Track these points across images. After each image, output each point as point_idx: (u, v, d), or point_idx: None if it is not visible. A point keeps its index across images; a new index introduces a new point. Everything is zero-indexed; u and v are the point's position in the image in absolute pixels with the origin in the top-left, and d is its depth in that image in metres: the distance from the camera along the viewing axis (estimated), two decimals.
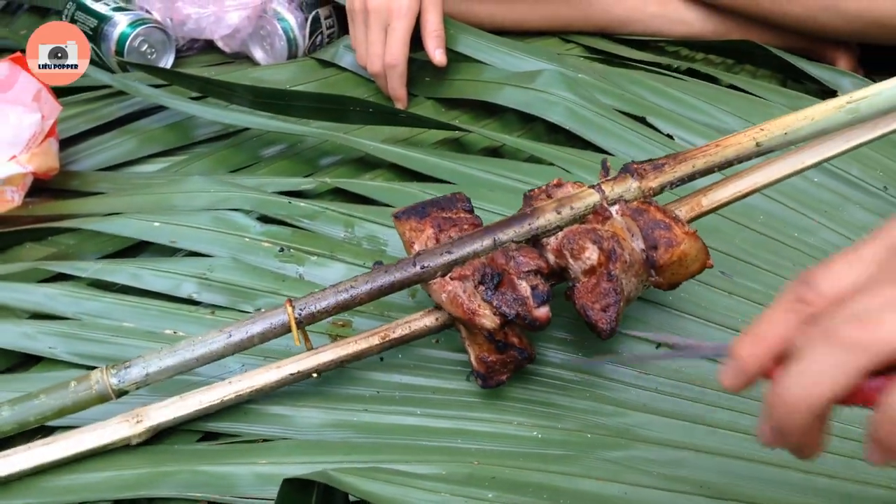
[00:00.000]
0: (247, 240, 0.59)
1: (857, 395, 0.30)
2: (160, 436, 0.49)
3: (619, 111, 0.72)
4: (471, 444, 0.49)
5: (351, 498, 0.45)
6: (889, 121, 0.53)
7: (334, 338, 0.54)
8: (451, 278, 0.48)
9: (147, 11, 0.82)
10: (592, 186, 0.51)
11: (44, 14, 0.92)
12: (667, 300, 0.58)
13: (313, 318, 0.48)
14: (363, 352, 0.50)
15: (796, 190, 0.67)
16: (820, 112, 0.52)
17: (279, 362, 0.49)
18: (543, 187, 0.52)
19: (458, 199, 0.52)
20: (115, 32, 0.79)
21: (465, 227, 0.50)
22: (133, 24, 0.79)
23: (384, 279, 0.48)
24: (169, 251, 0.61)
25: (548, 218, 0.49)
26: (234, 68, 0.83)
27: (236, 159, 0.72)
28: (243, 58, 0.86)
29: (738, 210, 0.65)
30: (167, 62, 0.82)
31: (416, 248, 0.50)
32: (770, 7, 0.81)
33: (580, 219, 0.50)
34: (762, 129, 0.52)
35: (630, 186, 0.51)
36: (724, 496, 0.47)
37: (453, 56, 0.77)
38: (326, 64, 0.82)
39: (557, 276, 0.51)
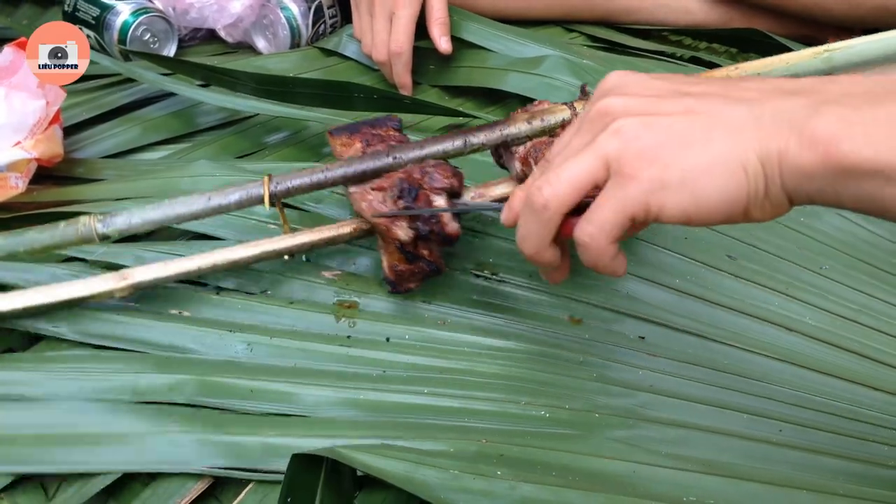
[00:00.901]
0: (253, 222, 0.59)
1: (565, 232, 0.40)
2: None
3: None
4: (478, 422, 0.49)
5: (359, 474, 0.45)
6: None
7: (339, 318, 0.54)
8: (372, 189, 0.51)
9: (150, 0, 0.82)
10: (566, 104, 0.54)
11: (46, 4, 0.92)
12: (673, 283, 0.58)
13: (288, 192, 0.52)
14: (334, 238, 0.54)
15: None
16: (796, 57, 0.54)
17: (256, 241, 0.53)
18: (527, 106, 0.55)
19: (389, 119, 0.55)
20: (118, 21, 0.79)
21: (392, 143, 0.53)
22: (136, 13, 0.79)
23: (358, 166, 0.52)
24: (175, 235, 0.61)
25: (519, 127, 0.53)
26: (236, 57, 0.83)
27: (241, 146, 0.72)
28: (246, 47, 0.86)
29: None
30: (170, 51, 0.82)
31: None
32: None
33: (549, 132, 0.53)
34: (737, 68, 0.54)
35: None
36: (730, 475, 0.47)
37: (458, 43, 0.77)
38: (330, 53, 0.82)
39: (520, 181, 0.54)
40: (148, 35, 0.80)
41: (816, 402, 0.52)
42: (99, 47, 0.81)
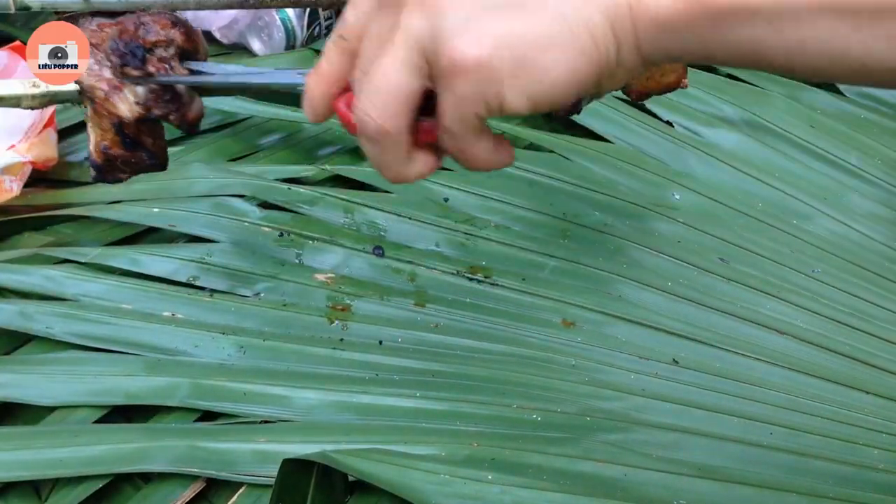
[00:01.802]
0: (246, 225, 0.59)
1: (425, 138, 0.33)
2: (155, 413, 0.49)
3: (619, 98, 0.72)
4: (470, 426, 0.49)
5: (350, 478, 0.45)
6: None
7: (332, 321, 0.54)
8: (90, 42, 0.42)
9: None
10: None
11: None
12: (665, 286, 0.58)
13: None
14: None
15: (795, 177, 0.68)
16: None
17: None
18: None
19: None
20: None
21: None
22: None
23: None
24: (169, 238, 0.61)
25: None
26: (231, 59, 0.83)
27: (235, 148, 0.72)
28: (241, 49, 0.86)
29: (736, 197, 0.65)
30: None
31: None
32: None
33: None
34: None
35: None
36: (721, 478, 0.47)
37: None
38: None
39: None
40: None
41: (807, 405, 0.52)
42: None
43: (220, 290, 0.56)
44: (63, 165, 0.67)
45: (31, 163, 0.64)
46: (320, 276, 0.57)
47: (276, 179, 0.63)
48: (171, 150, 0.70)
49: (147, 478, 0.47)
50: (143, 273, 0.56)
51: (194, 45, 0.43)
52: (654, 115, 0.71)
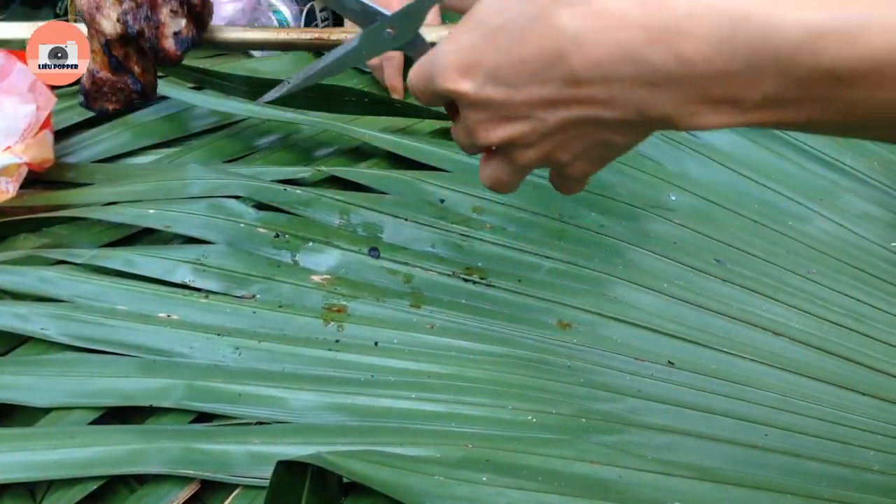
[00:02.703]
0: (242, 226, 0.59)
1: None
2: (150, 415, 0.49)
3: None
4: (465, 427, 0.49)
5: (345, 480, 0.45)
6: None
7: (327, 322, 0.54)
8: None
9: None
10: None
11: (37, 6, 0.92)
12: (661, 287, 0.58)
13: None
14: None
15: (790, 178, 0.68)
16: None
17: None
18: None
19: None
20: None
21: None
22: None
23: None
24: (164, 240, 0.61)
25: None
26: (228, 60, 0.83)
27: (231, 150, 0.72)
28: (238, 50, 0.86)
29: (732, 198, 0.65)
30: None
31: None
32: None
33: None
34: None
35: None
36: (716, 479, 0.47)
37: None
38: (321, 56, 0.82)
39: None
40: None
41: (801, 406, 0.52)
42: None
43: (216, 292, 0.56)
44: (59, 167, 0.67)
45: (28, 164, 0.64)
46: (316, 278, 0.57)
47: (273, 181, 0.63)
48: (167, 150, 0.71)
49: (142, 479, 0.46)
50: (139, 274, 0.56)
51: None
52: None
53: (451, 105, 0.41)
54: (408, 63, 0.76)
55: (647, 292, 0.58)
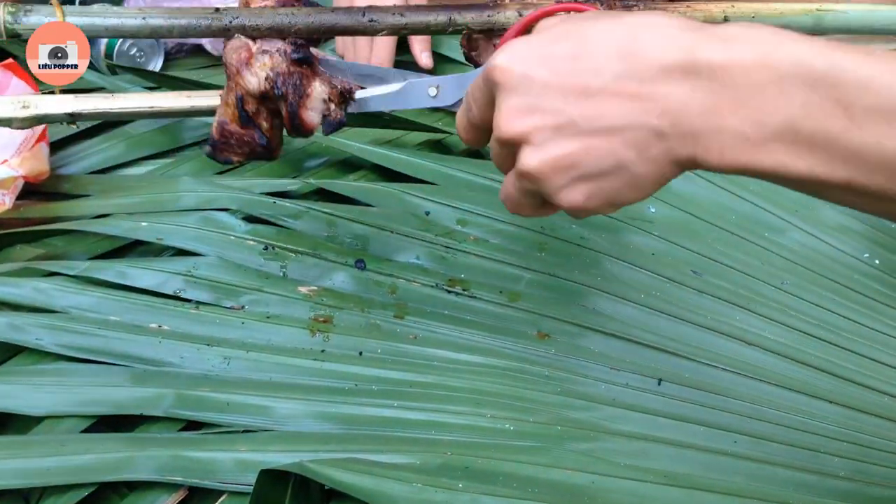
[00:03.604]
0: (232, 238, 0.61)
1: None
2: (141, 423, 0.51)
3: None
4: (444, 435, 0.51)
5: (326, 487, 0.46)
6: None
7: (314, 333, 0.56)
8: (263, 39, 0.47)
9: None
10: (559, 2, 0.50)
11: None
12: (638, 298, 0.60)
13: (244, 30, 0.47)
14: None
15: (768, 190, 0.69)
16: (788, 8, 0.52)
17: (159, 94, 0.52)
18: None
19: None
20: None
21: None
22: None
23: (328, 18, 0.48)
24: (156, 251, 0.63)
25: (507, 15, 0.49)
26: (222, 71, 0.84)
27: None
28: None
29: (710, 210, 0.67)
30: (156, 66, 0.84)
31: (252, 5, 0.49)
32: None
33: None
34: (733, 6, 0.52)
35: None
36: (687, 485, 0.48)
37: (439, 58, 0.79)
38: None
39: None
40: (134, 49, 0.82)
41: (771, 414, 0.54)
42: None
43: (206, 303, 0.57)
44: (55, 179, 0.69)
45: (24, 177, 0.65)
46: (303, 289, 0.59)
47: (262, 193, 0.65)
48: (161, 162, 0.73)
49: (132, 486, 0.48)
50: (131, 286, 0.58)
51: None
52: None
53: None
54: None
55: (625, 303, 0.59)
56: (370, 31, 0.49)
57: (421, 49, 0.77)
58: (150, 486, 0.48)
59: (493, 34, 0.50)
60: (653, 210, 0.67)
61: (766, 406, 0.54)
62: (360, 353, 0.55)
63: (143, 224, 0.62)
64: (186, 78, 0.76)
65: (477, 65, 0.53)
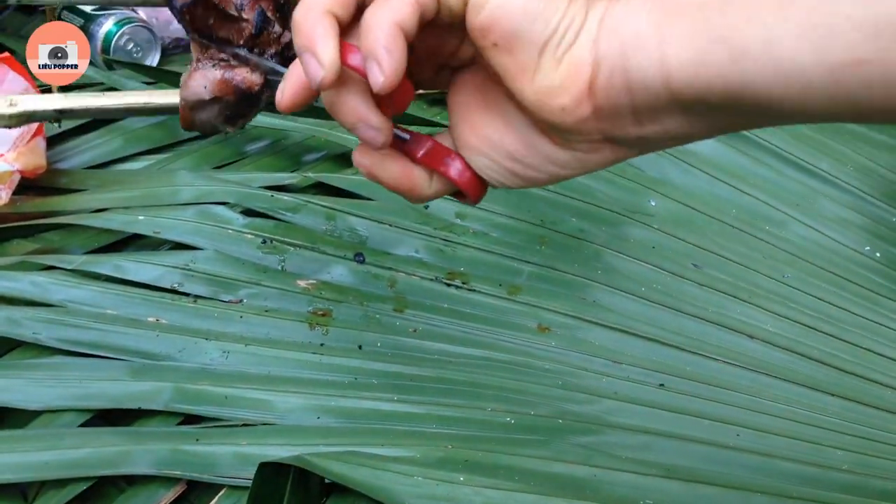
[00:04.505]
0: (230, 232, 0.61)
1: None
2: (139, 417, 0.51)
3: None
4: (445, 428, 0.50)
5: (326, 480, 0.46)
6: None
7: (313, 326, 0.56)
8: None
9: (133, 10, 0.83)
10: None
11: (30, 12, 0.93)
12: (639, 291, 0.60)
13: None
14: None
15: (768, 183, 0.69)
16: None
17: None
18: None
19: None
20: (102, 31, 0.80)
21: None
22: (119, 23, 0.81)
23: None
24: (154, 245, 0.62)
25: None
26: None
27: (221, 155, 0.73)
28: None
29: (711, 203, 0.67)
30: (153, 61, 0.83)
31: None
32: None
33: None
34: None
35: None
36: (689, 478, 0.48)
37: None
38: None
39: None
40: (131, 45, 0.82)
41: (773, 407, 0.54)
42: None
43: (204, 297, 0.57)
44: (51, 173, 0.68)
45: (20, 172, 0.65)
46: (302, 283, 0.58)
47: (260, 187, 0.65)
48: (158, 157, 0.72)
49: (131, 480, 0.48)
50: (128, 279, 0.57)
51: None
52: None
53: None
54: None
55: (625, 296, 0.59)
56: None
57: None
58: (148, 481, 0.47)
59: None
60: (653, 203, 0.67)
61: (767, 399, 0.54)
62: (360, 347, 0.55)
63: (141, 218, 0.61)
64: (178, 71, 0.76)
65: None
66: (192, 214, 0.61)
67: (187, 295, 0.57)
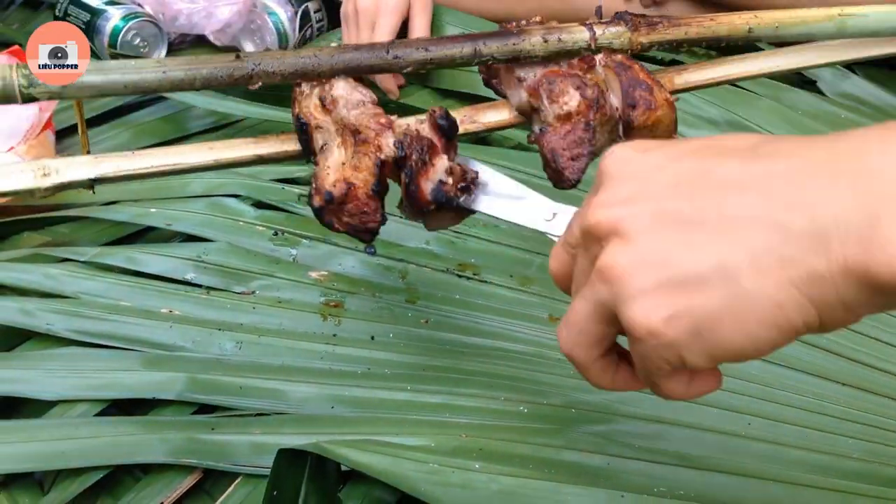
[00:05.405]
0: (241, 224, 0.61)
1: None
2: (154, 407, 0.51)
3: None
4: (459, 418, 0.50)
5: (343, 468, 0.46)
6: (871, 46, 0.55)
7: (325, 317, 0.56)
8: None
9: (139, 6, 0.83)
10: (585, 23, 0.49)
11: (36, 7, 0.93)
12: None
13: (268, 76, 0.45)
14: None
15: None
16: (811, 16, 0.52)
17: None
18: (537, 18, 0.50)
19: None
20: (108, 26, 0.80)
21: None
22: (125, 18, 0.81)
23: (351, 57, 0.46)
24: (165, 237, 0.62)
25: (533, 42, 0.47)
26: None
27: None
28: (233, 50, 0.88)
29: None
30: (159, 55, 0.83)
31: None
32: None
33: (565, 55, 0.48)
34: (756, 17, 0.51)
35: (621, 34, 0.49)
36: (701, 467, 0.48)
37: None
38: None
39: (526, 116, 0.49)
40: (138, 40, 0.82)
41: (784, 396, 0.54)
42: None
43: (217, 288, 0.57)
44: None
45: None
46: (314, 274, 0.59)
47: (271, 179, 0.65)
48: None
49: (146, 469, 0.48)
50: (141, 271, 0.58)
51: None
52: None
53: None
54: None
55: None
56: (395, 68, 0.47)
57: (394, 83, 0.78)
58: (164, 469, 0.47)
59: (518, 63, 0.48)
60: None
61: (778, 388, 0.54)
62: (372, 338, 0.55)
63: (152, 210, 0.62)
64: None
65: (496, 91, 0.51)
66: (204, 206, 0.62)
67: (200, 286, 0.57)
